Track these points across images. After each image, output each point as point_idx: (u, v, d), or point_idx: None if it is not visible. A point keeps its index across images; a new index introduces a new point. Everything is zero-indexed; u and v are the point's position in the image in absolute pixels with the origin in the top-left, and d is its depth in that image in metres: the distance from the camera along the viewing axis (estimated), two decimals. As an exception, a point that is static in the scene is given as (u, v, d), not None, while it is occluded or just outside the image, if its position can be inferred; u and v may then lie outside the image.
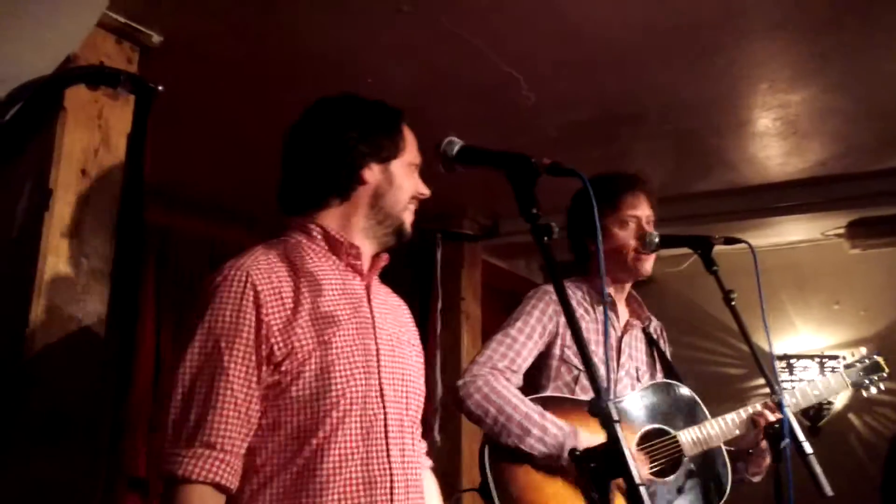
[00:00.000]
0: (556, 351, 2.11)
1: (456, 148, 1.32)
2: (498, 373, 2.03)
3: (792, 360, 4.54)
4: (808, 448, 1.89)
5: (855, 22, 2.26)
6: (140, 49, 2.32)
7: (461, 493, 3.35)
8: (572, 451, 1.06)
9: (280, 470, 1.30)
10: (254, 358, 1.29)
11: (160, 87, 2.15)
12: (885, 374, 2.40)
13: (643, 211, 2.18)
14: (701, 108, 2.92)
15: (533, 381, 2.13)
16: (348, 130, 1.48)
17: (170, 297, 3.76)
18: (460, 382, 2.04)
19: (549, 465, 1.95)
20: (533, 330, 2.10)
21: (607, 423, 1.05)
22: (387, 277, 1.59)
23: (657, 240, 2.16)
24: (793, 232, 4.47)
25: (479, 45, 2.43)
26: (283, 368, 1.30)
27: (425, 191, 1.57)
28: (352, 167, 1.47)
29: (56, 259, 2.02)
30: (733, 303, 2.06)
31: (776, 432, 1.95)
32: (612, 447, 1.04)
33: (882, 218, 4.10)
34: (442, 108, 2.90)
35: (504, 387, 2.00)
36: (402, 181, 1.51)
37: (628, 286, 2.23)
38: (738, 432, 2.12)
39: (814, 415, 4.43)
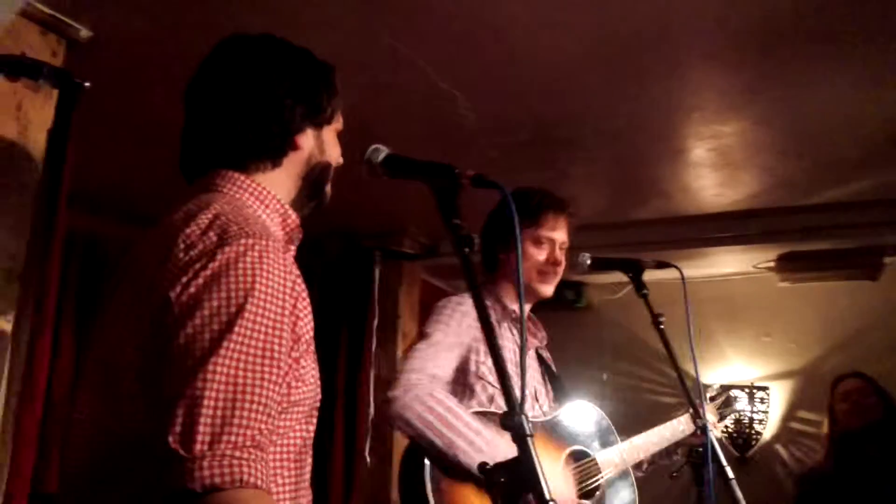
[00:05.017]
0: (472, 367, 2.00)
1: (381, 155, 1.30)
2: (435, 381, 1.87)
3: (722, 390, 4.60)
4: (729, 473, 1.94)
5: (783, 56, 2.32)
6: (67, 42, 2.23)
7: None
8: (482, 465, 1.03)
9: None
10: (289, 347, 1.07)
11: (87, 83, 2.06)
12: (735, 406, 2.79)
13: (560, 235, 2.14)
14: (636, 135, 2.96)
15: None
16: (283, 85, 1.28)
17: (92, 308, 3.61)
18: (395, 393, 1.81)
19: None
20: (454, 340, 1.97)
21: (520, 438, 1.02)
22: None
23: (589, 261, 2.16)
24: (725, 263, 4.57)
25: (420, 62, 2.42)
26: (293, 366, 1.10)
27: (341, 160, 1.42)
28: (287, 131, 1.27)
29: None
30: (662, 326, 2.09)
31: (699, 456, 1.99)
32: (524, 462, 1.02)
33: (810, 252, 4.21)
34: (384, 123, 2.87)
35: (446, 396, 1.84)
36: (331, 149, 1.36)
37: (529, 305, 2.18)
38: (642, 457, 2.26)
39: (742, 444, 4.51)
